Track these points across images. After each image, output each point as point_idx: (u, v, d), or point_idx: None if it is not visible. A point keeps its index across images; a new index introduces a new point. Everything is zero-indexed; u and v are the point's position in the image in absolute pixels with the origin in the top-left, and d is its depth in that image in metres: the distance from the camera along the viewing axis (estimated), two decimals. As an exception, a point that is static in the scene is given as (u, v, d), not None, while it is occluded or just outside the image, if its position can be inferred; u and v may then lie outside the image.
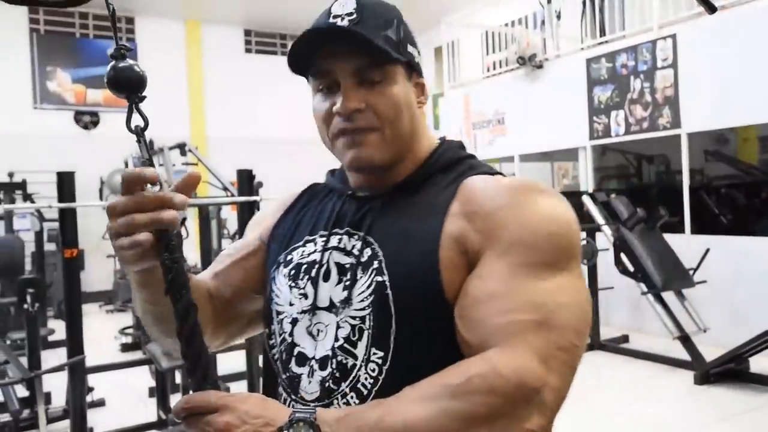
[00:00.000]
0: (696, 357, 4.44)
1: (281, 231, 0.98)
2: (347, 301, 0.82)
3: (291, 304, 0.88)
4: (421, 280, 0.78)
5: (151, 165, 0.77)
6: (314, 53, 0.84)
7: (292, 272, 0.90)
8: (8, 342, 5.05)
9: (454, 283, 0.78)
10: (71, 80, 10.16)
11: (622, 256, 4.97)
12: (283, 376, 0.88)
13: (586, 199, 5.55)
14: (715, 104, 5.21)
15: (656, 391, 4.30)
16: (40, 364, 4.00)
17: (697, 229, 5.54)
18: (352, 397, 0.80)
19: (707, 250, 4.81)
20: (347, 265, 0.85)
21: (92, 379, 4.18)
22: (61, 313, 6.63)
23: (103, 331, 6.89)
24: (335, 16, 0.84)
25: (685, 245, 5.17)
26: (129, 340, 6.25)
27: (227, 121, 10.80)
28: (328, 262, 0.87)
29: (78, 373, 3.19)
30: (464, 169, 0.89)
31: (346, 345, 0.81)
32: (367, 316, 0.80)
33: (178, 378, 4.08)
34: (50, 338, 5.97)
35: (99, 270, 9.05)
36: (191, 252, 7.31)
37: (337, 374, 0.81)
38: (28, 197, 8.37)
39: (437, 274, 0.78)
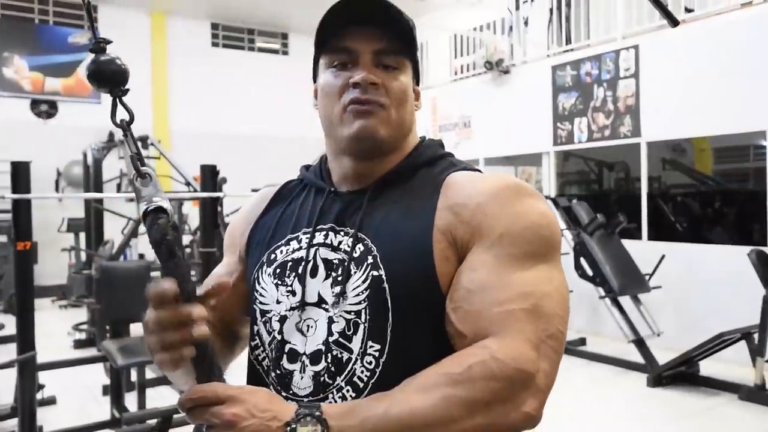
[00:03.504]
0: (649, 360, 4.56)
1: (260, 233, 0.98)
2: (341, 296, 0.84)
3: (278, 302, 0.89)
4: (417, 273, 0.81)
5: (141, 159, 0.76)
6: (339, 30, 0.88)
7: (278, 270, 0.91)
8: (-46, 337, 4.86)
9: (447, 275, 0.82)
10: (28, 67, 9.83)
11: (582, 260, 5.07)
12: (273, 375, 0.88)
13: (549, 204, 5.64)
14: (674, 115, 5.36)
15: (610, 393, 4.40)
16: (-12, 360, 3.85)
17: (653, 236, 5.70)
18: (348, 391, 0.81)
19: (662, 257, 4.95)
20: (336, 261, 0.87)
21: (43, 377, 4.05)
22: (12, 308, 6.41)
23: (56, 327, 6.69)
24: None
25: (642, 251, 5.31)
26: (83, 336, 6.08)
27: (192, 116, 10.60)
28: (314, 258, 0.88)
29: (28, 370, 3.09)
30: (446, 166, 0.92)
31: (341, 339, 0.83)
32: (363, 310, 0.82)
33: (134, 376, 3.98)
34: (0, 333, 5.76)
35: (53, 264, 8.77)
36: (148, 248, 7.17)
37: (332, 368, 0.83)
38: (-21, 187, 8.07)
39: (432, 268, 0.81)
